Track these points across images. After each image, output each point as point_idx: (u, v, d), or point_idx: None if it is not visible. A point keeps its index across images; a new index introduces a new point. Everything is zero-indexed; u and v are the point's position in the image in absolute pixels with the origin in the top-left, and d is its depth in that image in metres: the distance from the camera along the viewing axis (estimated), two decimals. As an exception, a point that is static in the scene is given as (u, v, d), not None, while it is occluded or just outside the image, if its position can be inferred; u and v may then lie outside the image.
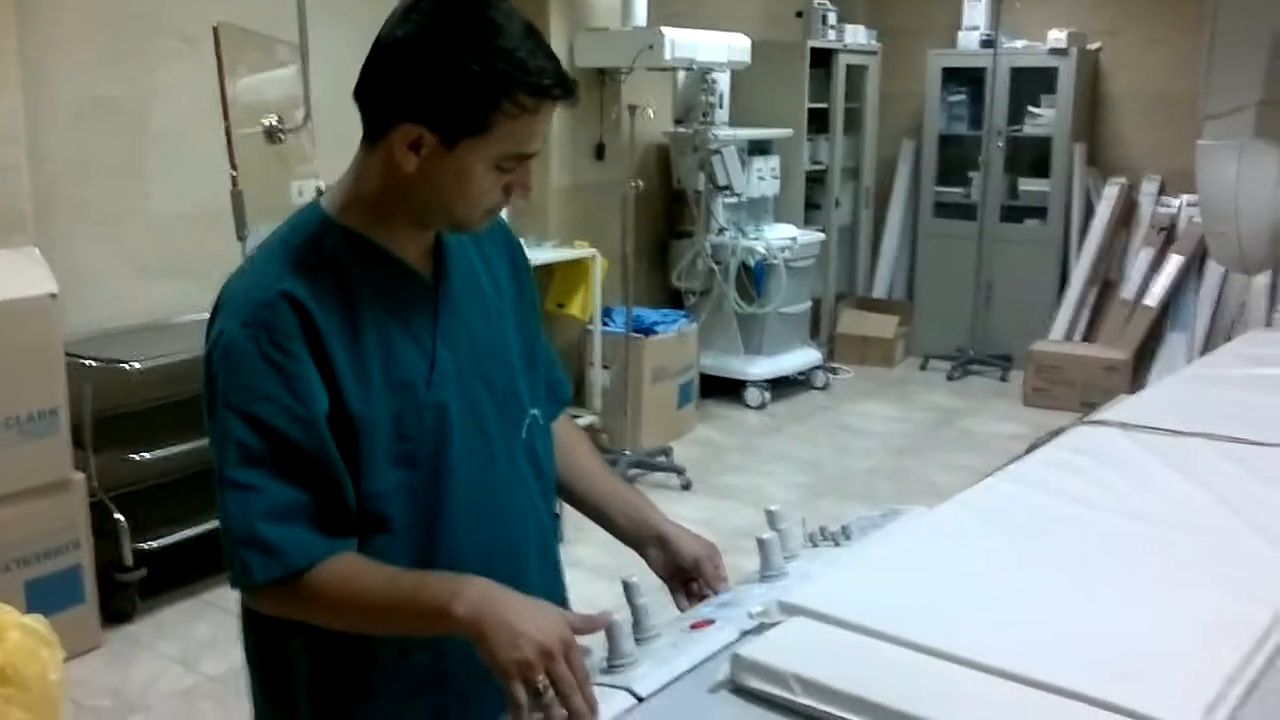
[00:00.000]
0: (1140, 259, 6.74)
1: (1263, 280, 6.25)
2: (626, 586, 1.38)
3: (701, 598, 1.57)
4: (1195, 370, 2.64)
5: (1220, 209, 5.46)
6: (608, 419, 5.38)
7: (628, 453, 5.13)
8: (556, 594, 1.56)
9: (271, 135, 3.69)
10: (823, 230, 6.87)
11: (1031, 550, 1.59)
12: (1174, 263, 6.60)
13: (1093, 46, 7.03)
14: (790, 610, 1.35)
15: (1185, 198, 6.68)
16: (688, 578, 1.60)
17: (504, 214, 1.45)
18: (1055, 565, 1.53)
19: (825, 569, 1.53)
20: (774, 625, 1.33)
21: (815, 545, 1.74)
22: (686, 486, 5.02)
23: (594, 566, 2.01)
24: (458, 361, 1.39)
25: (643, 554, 1.62)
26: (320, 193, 1.44)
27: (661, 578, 1.61)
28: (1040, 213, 7.06)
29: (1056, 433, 2.22)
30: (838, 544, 1.73)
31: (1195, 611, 1.36)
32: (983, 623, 1.31)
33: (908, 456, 5.52)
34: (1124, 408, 2.29)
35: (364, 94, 1.32)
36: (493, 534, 1.44)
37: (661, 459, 5.24)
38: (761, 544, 1.58)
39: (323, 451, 1.28)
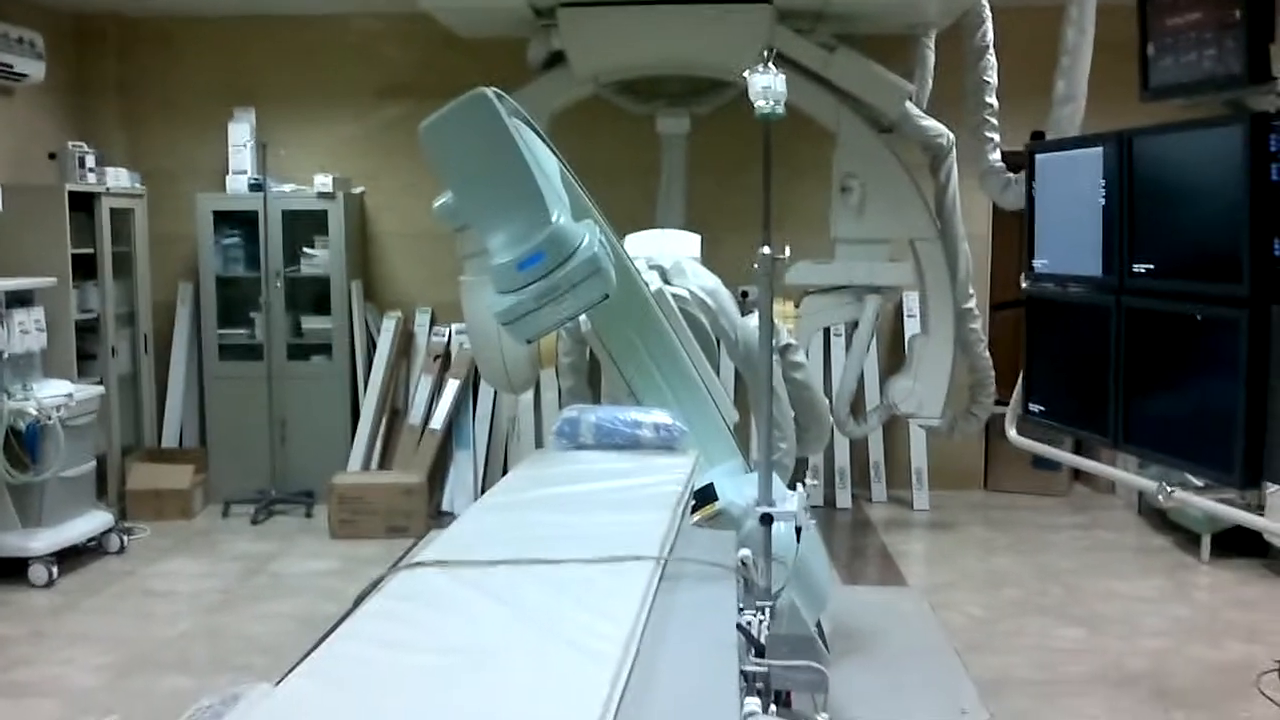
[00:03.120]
0: (422, 386, 7.21)
1: (527, 397, 7.01)
2: None
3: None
4: (495, 498, 2.89)
5: (485, 338, 6.04)
6: None
7: (-117, 667, 4.33)
8: None
9: None
10: (100, 382, 6.46)
11: (381, 708, 1.64)
12: (452, 387, 7.16)
13: (357, 190, 7.45)
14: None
15: (455, 326, 7.30)
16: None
17: None
18: (407, 714, 1.60)
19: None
20: None
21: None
22: (-34, 693, 4.36)
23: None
24: None
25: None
26: None
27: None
28: (326, 349, 7.27)
29: (378, 582, 2.29)
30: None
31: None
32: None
33: (221, 613, 5.30)
34: (439, 545, 2.44)
35: None
36: None
37: (-71, 666, 4.51)
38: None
39: None
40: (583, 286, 3.70)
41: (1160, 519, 6.54)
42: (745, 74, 2.43)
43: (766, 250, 2.48)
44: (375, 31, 7.40)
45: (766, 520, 2.39)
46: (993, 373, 6.39)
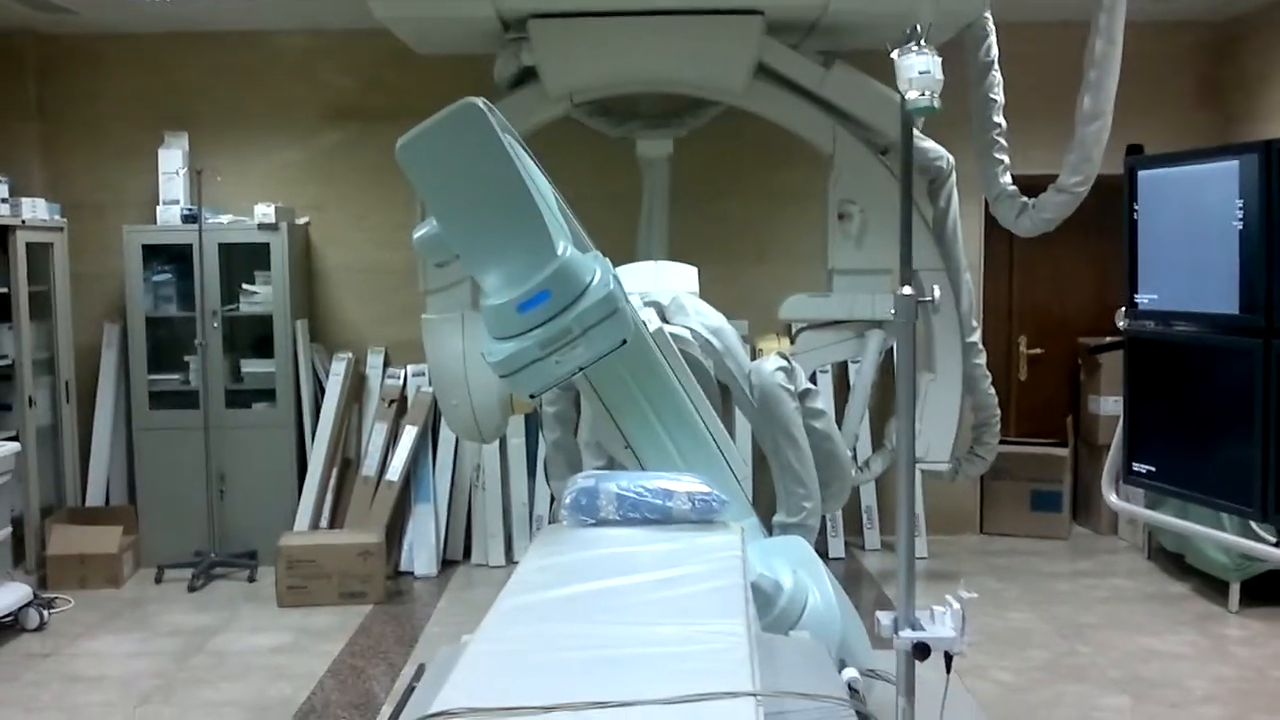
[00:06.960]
0: (376, 434, 6.60)
1: (495, 446, 6.43)
2: None
3: None
4: (515, 598, 2.32)
5: (451, 381, 5.48)
6: None
7: None
8: None
9: None
10: (16, 437, 5.78)
11: None
12: (409, 434, 6.54)
13: (302, 221, 6.84)
14: None
15: (410, 368, 6.72)
16: None
17: None
18: None
19: None
20: None
21: None
22: None
23: None
24: None
25: None
26: None
27: None
28: (269, 395, 6.62)
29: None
30: None
31: None
32: None
33: (158, 703, 4.64)
34: (460, 682, 1.88)
35: None
36: None
37: None
38: None
39: None
40: (597, 330, 3.15)
41: (1176, 563, 6.13)
42: (893, 55, 1.92)
43: (907, 290, 1.95)
44: (318, 50, 6.81)
45: (923, 652, 1.86)
46: (998, 411, 5.96)
